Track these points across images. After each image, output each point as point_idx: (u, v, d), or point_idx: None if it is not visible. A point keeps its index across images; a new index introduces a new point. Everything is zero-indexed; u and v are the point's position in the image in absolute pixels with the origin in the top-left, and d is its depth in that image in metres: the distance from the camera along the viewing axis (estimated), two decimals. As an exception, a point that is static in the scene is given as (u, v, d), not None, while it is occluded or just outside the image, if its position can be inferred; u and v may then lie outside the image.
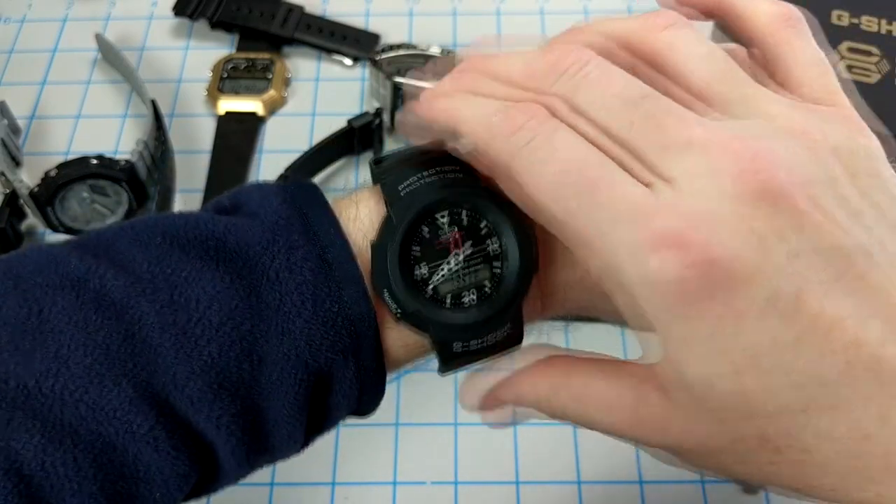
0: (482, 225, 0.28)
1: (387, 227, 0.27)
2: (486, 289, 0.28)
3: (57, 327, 0.25)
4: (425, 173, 0.28)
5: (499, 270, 0.28)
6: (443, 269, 0.28)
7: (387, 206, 0.28)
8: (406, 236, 0.27)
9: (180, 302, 0.26)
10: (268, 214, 0.28)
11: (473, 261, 0.28)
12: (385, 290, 0.27)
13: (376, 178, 0.29)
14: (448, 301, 0.28)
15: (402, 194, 0.28)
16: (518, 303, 0.27)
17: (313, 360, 0.27)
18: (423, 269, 0.28)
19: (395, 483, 0.48)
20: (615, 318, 0.30)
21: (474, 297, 0.28)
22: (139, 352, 0.25)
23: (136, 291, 0.26)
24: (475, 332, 0.28)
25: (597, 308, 0.29)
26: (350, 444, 0.49)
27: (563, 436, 0.49)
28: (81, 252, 0.27)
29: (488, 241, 0.28)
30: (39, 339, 0.25)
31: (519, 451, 0.48)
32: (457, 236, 0.28)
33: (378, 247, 0.27)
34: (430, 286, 0.28)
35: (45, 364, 0.25)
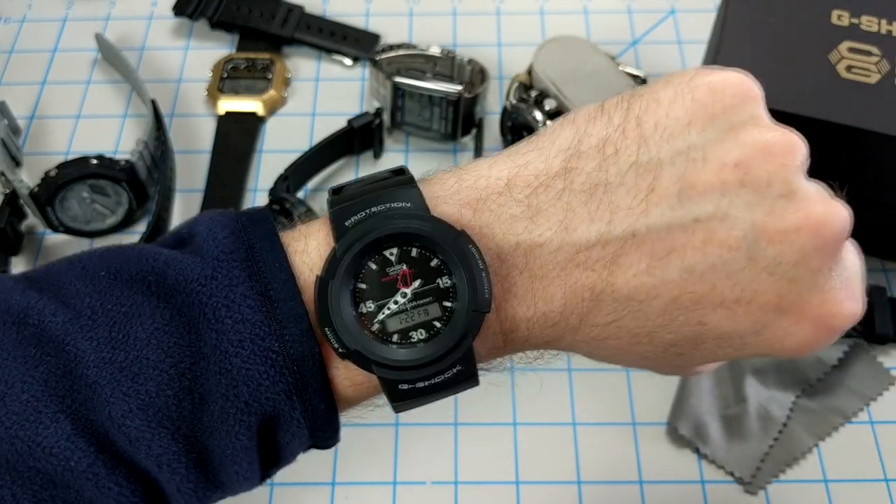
0: (433, 261, 0.27)
1: (331, 261, 0.26)
2: (436, 326, 0.27)
3: None
4: (374, 207, 0.27)
5: (450, 307, 0.27)
6: (389, 306, 0.27)
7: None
8: (350, 271, 0.26)
9: (119, 339, 0.26)
10: (210, 248, 0.27)
11: (423, 297, 0.27)
12: (326, 327, 0.26)
13: (329, 208, 0.28)
14: (395, 338, 0.27)
15: (348, 228, 0.27)
16: (467, 343, 0.27)
17: (254, 400, 0.26)
18: (370, 305, 0.27)
19: (395, 483, 0.48)
20: (583, 351, 0.30)
21: (423, 335, 0.27)
22: (78, 388, 0.25)
23: (75, 327, 0.26)
24: (421, 371, 0.27)
25: (565, 342, 0.29)
26: (350, 444, 0.49)
27: (563, 436, 0.49)
28: (26, 286, 0.27)
29: (439, 278, 0.27)
30: None
31: (519, 451, 0.48)
32: (405, 272, 0.27)
33: (321, 282, 0.26)
34: (376, 322, 0.27)
35: None
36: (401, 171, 0.29)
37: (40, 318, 0.26)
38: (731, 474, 0.47)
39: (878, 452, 0.48)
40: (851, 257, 0.28)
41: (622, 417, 0.49)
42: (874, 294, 0.51)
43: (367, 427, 0.49)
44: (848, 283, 0.27)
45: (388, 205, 0.27)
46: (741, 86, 0.27)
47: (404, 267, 0.27)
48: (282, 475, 0.48)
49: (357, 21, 0.68)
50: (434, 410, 0.50)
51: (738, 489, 0.47)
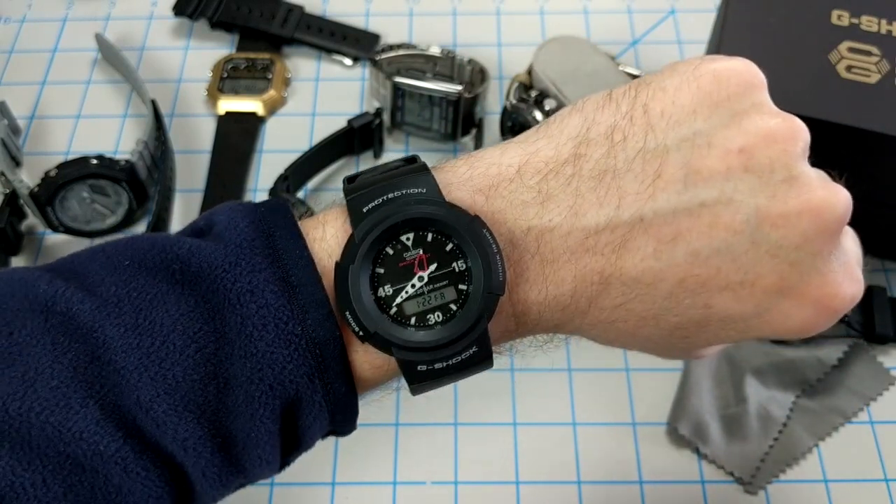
0: (448, 245, 0.28)
1: (350, 247, 0.27)
2: (452, 309, 0.28)
3: (25, 350, 0.26)
4: (390, 193, 0.28)
5: (465, 290, 0.28)
6: (407, 290, 0.28)
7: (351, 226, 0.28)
8: (368, 256, 0.27)
9: (145, 325, 0.26)
10: (233, 236, 0.28)
11: (439, 281, 0.28)
12: (347, 311, 0.27)
13: (345, 196, 0.29)
14: (412, 321, 0.28)
15: (365, 214, 0.28)
16: (483, 324, 0.27)
17: (278, 383, 0.27)
18: (388, 289, 0.28)
19: (395, 483, 0.48)
20: (590, 335, 0.30)
21: (440, 317, 0.28)
22: (105, 374, 0.26)
23: (102, 315, 0.26)
24: (438, 353, 0.27)
25: (573, 325, 0.29)
26: (350, 444, 0.49)
27: (563, 436, 0.49)
28: (52, 275, 0.27)
29: (454, 262, 0.28)
30: (8, 361, 0.25)
31: (519, 451, 0.48)
32: (421, 257, 0.28)
33: (341, 267, 0.27)
34: (394, 306, 0.27)
35: (13, 386, 0.25)
36: (413, 160, 0.30)
37: (68, 305, 0.26)
38: (731, 474, 0.47)
39: (878, 452, 0.48)
40: (850, 242, 0.29)
41: (622, 417, 0.49)
42: (874, 294, 0.51)
43: (368, 427, 0.49)
44: (847, 266, 0.28)
45: (403, 191, 0.28)
46: (745, 74, 0.28)
47: (420, 251, 0.28)
48: (282, 475, 0.48)
49: (357, 21, 0.68)
50: (434, 410, 0.50)
51: (738, 489, 0.47)
